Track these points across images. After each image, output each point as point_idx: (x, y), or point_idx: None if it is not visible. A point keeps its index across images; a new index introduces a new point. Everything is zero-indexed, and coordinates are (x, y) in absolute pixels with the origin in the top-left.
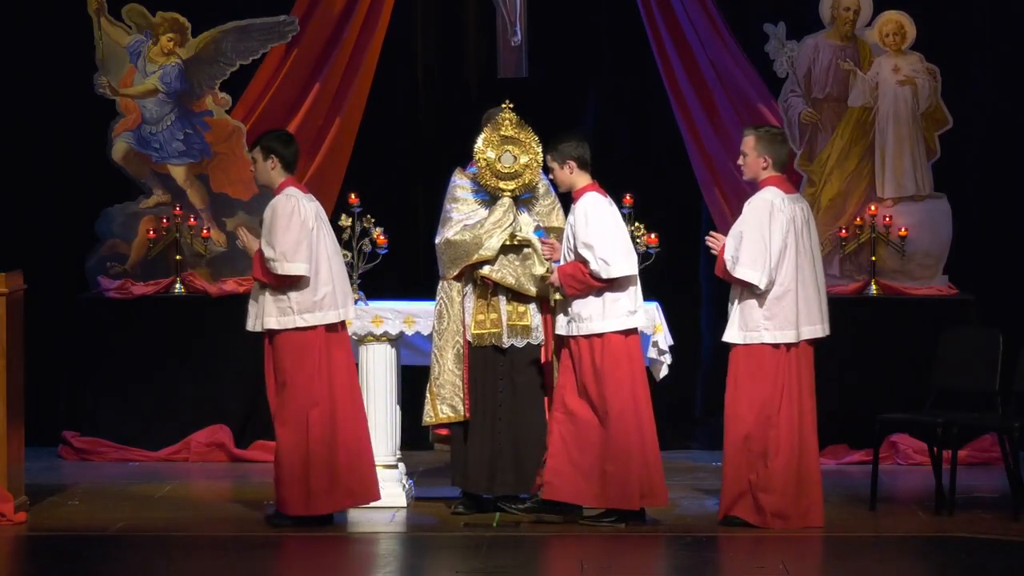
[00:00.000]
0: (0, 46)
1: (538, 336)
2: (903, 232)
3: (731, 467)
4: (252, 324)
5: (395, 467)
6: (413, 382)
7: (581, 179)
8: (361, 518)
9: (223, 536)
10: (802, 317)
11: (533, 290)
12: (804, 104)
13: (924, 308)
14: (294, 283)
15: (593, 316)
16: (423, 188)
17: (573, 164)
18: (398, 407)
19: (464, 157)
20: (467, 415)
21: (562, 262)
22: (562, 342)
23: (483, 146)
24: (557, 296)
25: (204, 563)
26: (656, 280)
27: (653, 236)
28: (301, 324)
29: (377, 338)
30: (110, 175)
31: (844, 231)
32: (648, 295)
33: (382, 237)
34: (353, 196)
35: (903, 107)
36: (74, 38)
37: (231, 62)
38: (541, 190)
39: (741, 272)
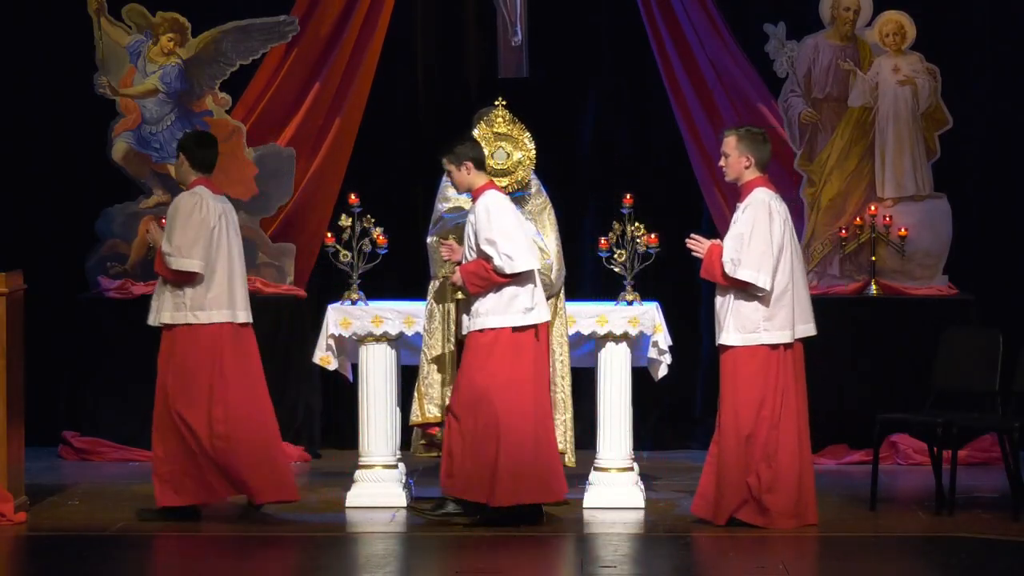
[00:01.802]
0: (0, 46)
1: None
2: (903, 232)
3: (733, 470)
4: (152, 319)
5: (395, 467)
6: (413, 382)
7: (479, 179)
8: (361, 518)
9: (223, 536)
10: (797, 316)
11: None
12: (804, 104)
13: (924, 308)
14: (189, 280)
15: (490, 311)
16: (423, 188)
17: (470, 165)
18: (398, 408)
19: None
20: None
21: (464, 262)
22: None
23: None
24: (459, 296)
25: (204, 563)
26: (656, 280)
27: (653, 236)
28: (192, 320)
29: (377, 338)
30: (110, 175)
31: (844, 231)
32: (648, 295)
33: (382, 237)
34: (353, 196)
35: (903, 107)
36: (74, 38)
37: (231, 62)
38: (533, 188)
39: (745, 274)
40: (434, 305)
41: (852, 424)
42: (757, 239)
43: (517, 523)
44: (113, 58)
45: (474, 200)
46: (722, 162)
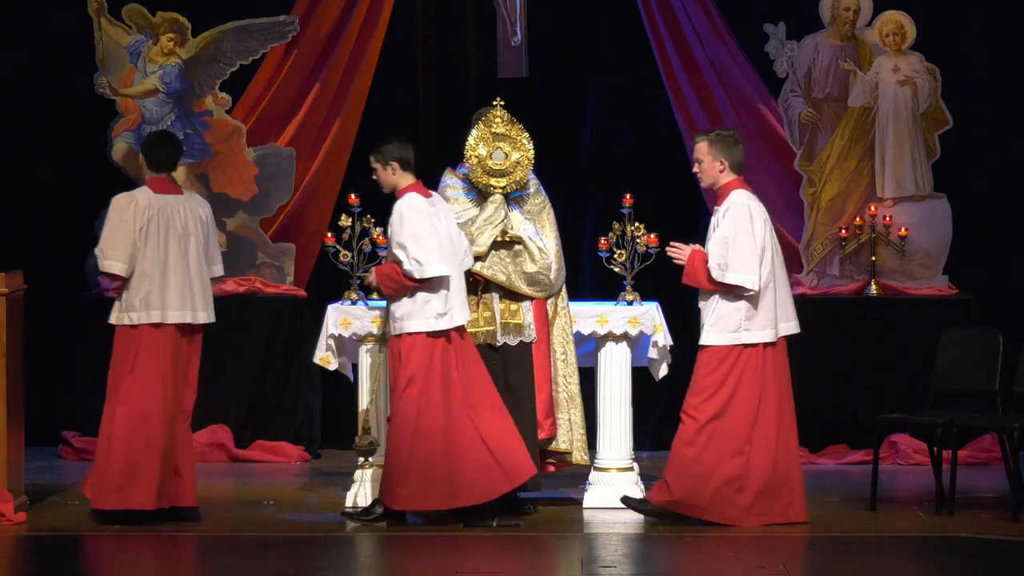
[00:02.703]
0: (0, 46)
1: (530, 334)
2: (903, 232)
3: (705, 466)
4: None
5: None
6: None
7: (404, 179)
8: None
9: (223, 536)
10: (779, 315)
11: (525, 288)
12: (804, 104)
13: (924, 308)
14: (116, 281)
15: (404, 316)
16: None
17: (396, 165)
18: None
19: (461, 157)
20: None
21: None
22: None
23: (474, 143)
24: (375, 296)
25: (204, 563)
26: (656, 280)
27: (653, 236)
28: (126, 322)
29: (377, 338)
30: (110, 175)
31: (844, 231)
32: (648, 295)
33: (382, 237)
34: (353, 196)
35: (903, 107)
36: (74, 38)
37: (231, 62)
38: (532, 188)
39: (733, 278)
40: None
41: (852, 424)
42: (742, 241)
43: (472, 521)
44: (113, 58)
45: (396, 200)
46: (696, 168)
